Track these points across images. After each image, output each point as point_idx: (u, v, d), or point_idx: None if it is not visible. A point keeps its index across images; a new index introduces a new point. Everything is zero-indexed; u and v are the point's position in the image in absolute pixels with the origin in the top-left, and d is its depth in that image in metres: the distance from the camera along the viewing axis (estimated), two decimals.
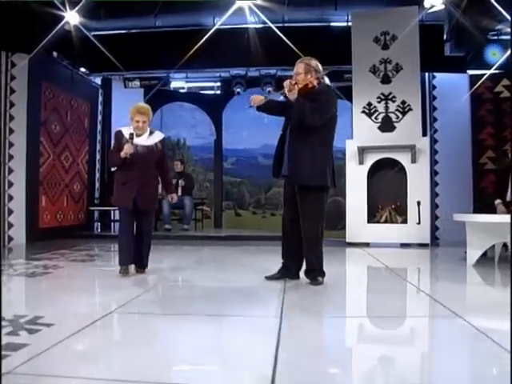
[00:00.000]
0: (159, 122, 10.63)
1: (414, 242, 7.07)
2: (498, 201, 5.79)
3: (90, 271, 4.88)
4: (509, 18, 7.37)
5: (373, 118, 7.38)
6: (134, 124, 4.34)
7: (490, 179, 8.43)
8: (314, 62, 4.19)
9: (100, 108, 9.51)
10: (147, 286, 4.11)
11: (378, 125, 7.36)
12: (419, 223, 7.07)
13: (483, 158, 8.49)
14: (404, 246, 7.19)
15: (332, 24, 8.80)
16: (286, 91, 3.89)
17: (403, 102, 7.29)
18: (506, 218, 4.85)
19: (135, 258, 4.44)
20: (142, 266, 4.50)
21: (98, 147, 9.46)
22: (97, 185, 9.45)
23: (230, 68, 9.42)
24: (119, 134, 4.42)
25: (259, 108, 4.24)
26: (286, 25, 8.68)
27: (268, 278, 4.23)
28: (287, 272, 4.25)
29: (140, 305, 3.32)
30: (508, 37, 8.36)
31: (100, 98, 9.52)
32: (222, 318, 3.03)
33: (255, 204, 11.34)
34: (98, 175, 9.46)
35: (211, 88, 11.20)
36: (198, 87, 11.18)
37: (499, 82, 8.40)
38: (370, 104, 7.38)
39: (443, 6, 6.89)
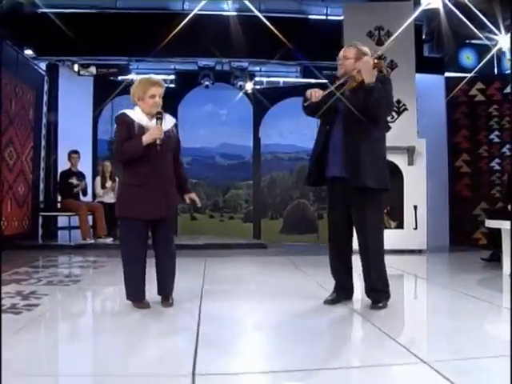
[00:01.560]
0: (110, 116, 9.52)
1: (411, 247, 6.76)
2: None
3: (88, 301, 3.88)
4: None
5: None
6: (150, 101, 3.29)
7: (465, 182, 8.41)
8: (365, 48, 3.61)
9: (45, 98, 8.23)
10: (190, 327, 2.93)
11: None
12: (416, 228, 6.77)
13: (459, 161, 8.43)
14: None
15: (311, 17, 8.32)
16: (367, 75, 3.25)
17: (398, 102, 6.93)
18: None
19: (158, 286, 3.48)
20: (167, 297, 3.45)
21: (43, 143, 8.17)
22: (41, 186, 8.15)
23: (198, 58, 8.58)
24: (126, 117, 3.33)
25: (307, 107, 3.54)
26: (262, 14, 8.02)
27: (327, 302, 3.57)
28: (343, 292, 3.63)
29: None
30: (480, 41, 8.38)
31: (45, 87, 8.23)
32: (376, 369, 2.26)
33: (212, 207, 10.53)
34: (42, 175, 8.16)
35: (164, 81, 10.26)
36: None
37: (474, 86, 8.37)
38: None
39: (440, 4, 6.61)
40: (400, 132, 6.85)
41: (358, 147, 3.38)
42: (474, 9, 7.03)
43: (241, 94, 9.80)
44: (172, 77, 10.03)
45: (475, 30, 7.60)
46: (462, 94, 8.38)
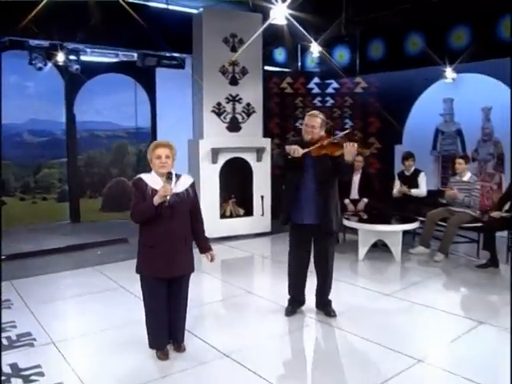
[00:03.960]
0: None
1: (260, 231, 7.94)
2: (347, 200, 7.27)
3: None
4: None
5: (222, 117, 7.61)
6: (157, 161, 3.51)
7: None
8: (322, 116, 4.45)
9: None
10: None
11: (227, 125, 7.68)
12: (263, 215, 7.96)
13: (272, 144, 9.84)
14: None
15: (151, 4, 8.19)
16: (350, 157, 4.10)
17: (248, 104, 7.78)
18: (381, 227, 6.34)
19: (172, 333, 3.78)
20: (180, 342, 3.82)
21: None
22: None
23: (26, 38, 7.56)
24: (140, 181, 3.54)
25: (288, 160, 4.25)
26: None
27: (288, 314, 4.60)
28: (297, 304, 4.69)
29: None
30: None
31: None
32: None
33: (23, 189, 9.65)
34: None
35: None
36: None
37: (284, 79, 9.77)
38: (219, 104, 7.56)
39: (285, 22, 7.47)
40: (249, 132, 7.82)
41: (328, 201, 4.34)
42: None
43: (50, 65, 9.00)
44: None
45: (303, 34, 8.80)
46: (275, 85, 9.71)
